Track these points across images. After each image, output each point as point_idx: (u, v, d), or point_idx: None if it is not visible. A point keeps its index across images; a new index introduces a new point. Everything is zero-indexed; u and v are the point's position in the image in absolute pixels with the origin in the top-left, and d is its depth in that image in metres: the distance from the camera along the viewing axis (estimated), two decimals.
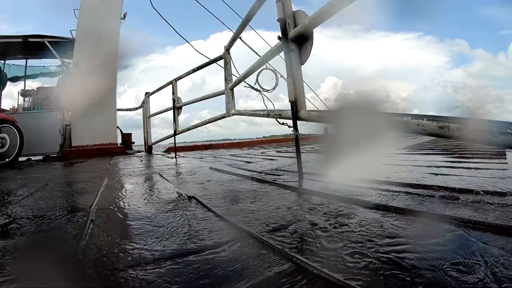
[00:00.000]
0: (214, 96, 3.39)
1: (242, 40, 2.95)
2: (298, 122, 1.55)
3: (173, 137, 4.24)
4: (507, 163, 1.66)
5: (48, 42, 5.54)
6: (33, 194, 1.52)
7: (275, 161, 2.61)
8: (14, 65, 6.35)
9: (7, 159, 4.27)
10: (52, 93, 5.73)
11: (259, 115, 2.18)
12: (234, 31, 2.75)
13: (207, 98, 3.68)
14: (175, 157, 3.57)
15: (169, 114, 4.81)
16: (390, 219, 0.81)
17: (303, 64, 1.53)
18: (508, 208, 0.83)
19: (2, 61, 6.09)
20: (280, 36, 1.57)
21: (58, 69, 6.29)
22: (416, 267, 0.53)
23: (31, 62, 6.38)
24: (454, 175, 1.37)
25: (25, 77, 6.25)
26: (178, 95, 4.37)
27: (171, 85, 4.48)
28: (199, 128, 3.92)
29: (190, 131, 4.08)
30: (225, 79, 3.04)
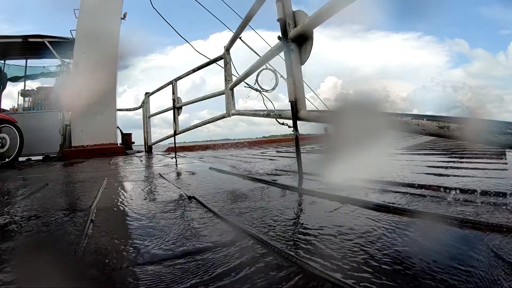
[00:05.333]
0: (214, 96, 3.40)
1: (242, 40, 2.95)
2: (298, 122, 1.55)
3: (173, 137, 4.24)
4: (507, 163, 1.66)
5: (48, 42, 5.54)
6: (33, 194, 1.52)
7: (275, 161, 2.61)
8: (14, 65, 6.34)
9: (7, 159, 4.27)
10: (52, 93, 5.72)
11: (259, 115, 2.18)
12: (234, 31, 2.75)
13: (207, 98, 3.69)
14: (175, 157, 3.57)
15: (169, 114, 4.82)
16: (389, 219, 0.81)
17: (303, 64, 1.53)
18: (509, 208, 0.83)
19: (2, 61, 6.09)
20: (280, 36, 1.57)
21: (58, 69, 6.28)
22: (415, 268, 0.53)
23: (31, 62, 6.38)
24: (454, 175, 1.37)
25: (25, 77, 6.24)
26: (178, 95, 4.37)
27: (171, 85, 4.49)
28: (199, 128, 3.92)
29: (190, 131, 4.08)
30: (225, 79, 3.04)
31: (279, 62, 1.93)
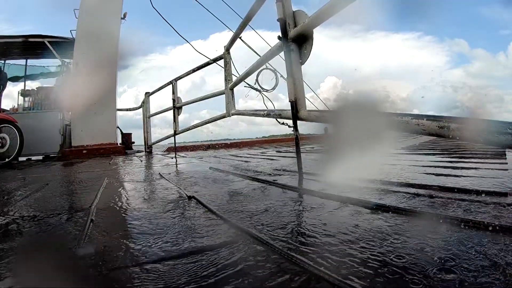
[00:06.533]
0: (214, 96, 3.39)
1: (242, 40, 2.95)
2: (298, 122, 1.55)
3: (173, 137, 4.24)
4: (507, 163, 1.66)
5: (48, 42, 5.54)
6: (33, 194, 1.52)
7: (275, 161, 2.61)
8: (14, 65, 6.34)
9: (7, 159, 4.26)
10: (52, 93, 5.72)
11: (259, 115, 2.18)
12: (234, 31, 2.75)
13: (207, 98, 3.68)
14: (175, 157, 3.57)
15: (169, 114, 4.80)
16: (390, 219, 0.81)
17: (303, 64, 1.53)
18: (508, 208, 0.83)
19: (2, 61, 6.08)
20: (280, 36, 1.57)
21: (58, 69, 6.28)
22: (415, 267, 0.53)
23: (31, 62, 6.38)
24: (454, 175, 1.37)
25: (25, 77, 6.24)
26: (178, 95, 4.36)
27: (171, 85, 4.48)
28: (199, 128, 3.91)
29: (190, 131, 4.08)
30: (225, 79, 3.04)
31: (279, 62, 1.92)
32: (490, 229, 0.68)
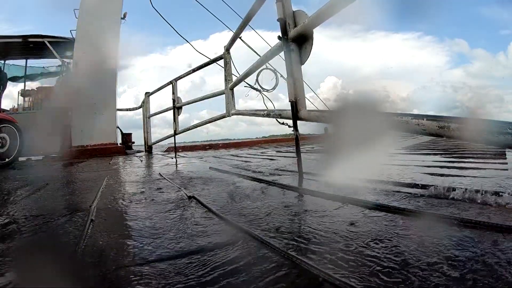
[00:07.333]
0: (214, 96, 3.39)
1: (242, 40, 2.95)
2: (298, 122, 1.55)
3: (173, 137, 4.24)
4: (507, 163, 1.66)
5: (48, 42, 5.54)
6: (33, 194, 1.52)
7: (275, 161, 2.61)
8: (14, 65, 6.35)
9: (7, 159, 4.26)
10: (52, 93, 5.73)
11: (259, 115, 2.18)
12: (234, 31, 2.75)
13: (207, 98, 3.68)
14: (175, 157, 3.57)
15: (169, 114, 4.80)
16: (390, 219, 0.81)
17: (303, 64, 1.53)
18: (508, 208, 0.83)
19: (2, 61, 6.09)
20: (280, 36, 1.57)
21: (58, 69, 6.29)
22: (413, 268, 0.53)
23: (31, 62, 6.39)
24: (454, 175, 1.37)
25: (25, 77, 6.25)
26: (178, 95, 4.36)
27: (171, 85, 4.48)
28: (199, 128, 3.91)
29: (190, 131, 4.08)
30: (225, 79, 3.04)
31: (279, 62, 1.92)
32: (490, 229, 0.68)
